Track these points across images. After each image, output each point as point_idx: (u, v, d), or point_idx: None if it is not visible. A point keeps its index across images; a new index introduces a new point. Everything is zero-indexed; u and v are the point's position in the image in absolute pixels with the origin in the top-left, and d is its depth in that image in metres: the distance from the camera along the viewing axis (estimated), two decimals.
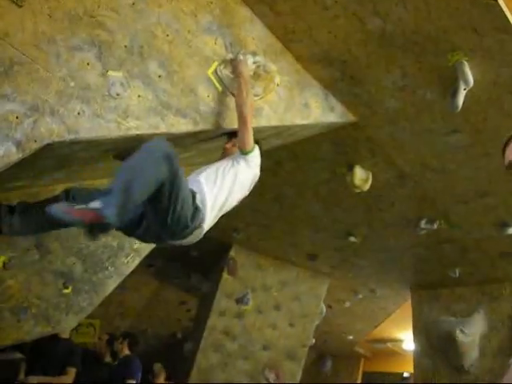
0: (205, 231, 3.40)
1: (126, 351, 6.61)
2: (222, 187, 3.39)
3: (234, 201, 3.59)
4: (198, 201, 3.24)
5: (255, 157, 3.62)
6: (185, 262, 11.74)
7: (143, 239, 3.59)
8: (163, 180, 2.84)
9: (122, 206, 2.69)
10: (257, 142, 3.72)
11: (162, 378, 7.62)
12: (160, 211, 3.01)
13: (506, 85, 4.25)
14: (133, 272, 5.43)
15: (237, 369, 9.71)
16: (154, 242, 3.62)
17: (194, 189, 3.28)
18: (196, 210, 3.19)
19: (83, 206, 2.73)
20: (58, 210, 2.70)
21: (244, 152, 3.55)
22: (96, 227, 2.79)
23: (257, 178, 3.77)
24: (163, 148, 2.91)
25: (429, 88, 4.50)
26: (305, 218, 7.99)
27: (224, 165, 3.52)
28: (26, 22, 2.74)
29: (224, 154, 3.84)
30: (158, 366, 7.66)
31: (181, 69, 3.46)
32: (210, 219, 3.37)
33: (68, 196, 3.42)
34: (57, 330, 5.03)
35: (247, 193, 3.76)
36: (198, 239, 3.44)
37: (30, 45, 2.74)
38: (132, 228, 3.31)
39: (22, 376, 6.34)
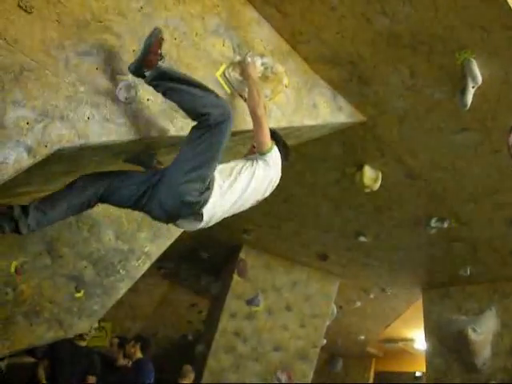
0: (205, 222, 3.31)
1: (139, 354, 6.60)
2: (233, 185, 3.36)
3: (247, 202, 3.53)
4: (211, 183, 3.22)
5: (273, 156, 3.55)
6: (195, 264, 11.78)
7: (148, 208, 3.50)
8: (207, 113, 3.07)
9: (167, 83, 3.10)
10: (279, 140, 3.72)
11: (189, 379, 7.55)
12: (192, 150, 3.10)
13: None
14: (143, 275, 5.45)
15: (248, 370, 9.73)
16: (157, 215, 3.51)
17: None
18: (207, 190, 3.17)
19: None
20: (150, 39, 2.97)
21: (262, 153, 3.50)
22: None
23: (277, 178, 3.69)
24: (228, 107, 3.25)
25: (437, 87, 4.48)
26: (315, 218, 7.99)
27: (241, 164, 3.47)
28: (35, 29, 2.76)
29: (248, 155, 3.80)
30: (186, 368, 7.60)
31: (189, 71, 3.46)
32: (212, 211, 3.28)
33: None
34: (69, 334, 5.05)
35: (267, 194, 3.71)
36: (195, 227, 3.39)
37: (39, 51, 2.75)
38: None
39: (43, 381, 6.36)
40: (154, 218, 3.45)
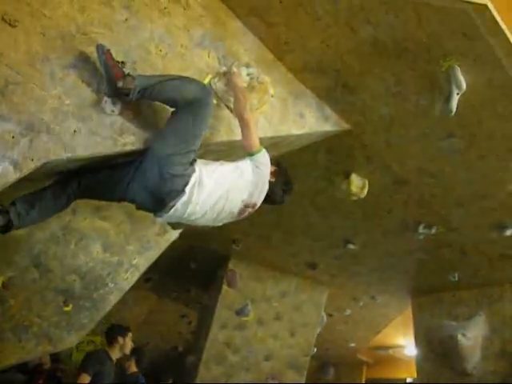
0: (187, 214, 3.35)
1: (134, 368, 6.52)
2: (218, 183, 3.36)
3: (234, 203, 3.49)
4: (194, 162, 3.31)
5: (263, 159, 3.51)
6: (184, 275, 11.73)
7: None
8: (197, 97, 3.23)
9: (148, 89, 3.13)
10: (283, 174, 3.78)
11: None
12: (178, 123, 3.24)
13: (498, 88, 4.26)
14: (132, 287, 5.43)
15: (239, 380, 9.69)
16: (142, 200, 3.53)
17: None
18: (190, 165, 3.25)
19: None
20: (102, 56, 3.00)
21: (250, 154, 3.48)
22: None
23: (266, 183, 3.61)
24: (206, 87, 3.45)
25: (422, 94, 4.51)
26: (303, 227, 8.00)
27: (227, 163, 3.50)
28: (20, 42, 2.75)
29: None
30: None
31: None
32: (195, 204, 3.31)
33: None
34: (58, 348, 5.01)
35: (260, 198, 3.65)
36: (176, 219, 3.46)
37: (24, 64, 2.75)
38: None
39: None
40: (140, 205, 3.47)
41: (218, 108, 3.75)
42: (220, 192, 3.37)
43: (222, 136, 3.79)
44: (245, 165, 3.47)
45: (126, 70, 3.06)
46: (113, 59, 3.00)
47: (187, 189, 3.22)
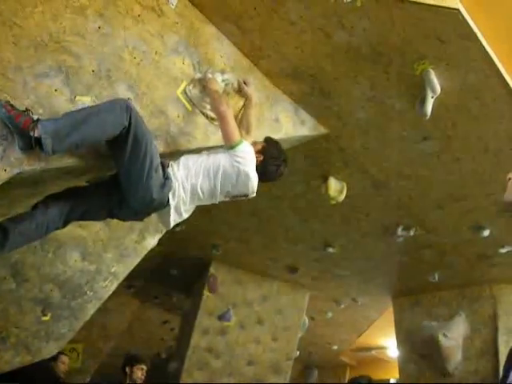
0: (173, 215, 3.43)
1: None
2: (196, 172, 3.39)
3: (206, 190, 3.49)
4: (170, 172, 3.32)
5: (244, 150, 3.48)
6: (165, 281, 11.68)
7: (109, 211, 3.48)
8: (123, 126, 2.97)
9: (61, 132, 2.78)
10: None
11: None
12: (131, 164, 3.10)
13: (472, 90, 4.31)
14: (113, 294, 5.40)
15: None
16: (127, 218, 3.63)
17: (171, 163, 3.40)
18: (166, 180, 3.26)
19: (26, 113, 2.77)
20: (1, 109, 2.69)
21: (230, 147, 3.46)
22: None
23: (253, 173, 3.56)
24: (121, 101, 3.07)
25: (397, 97, 4.55)
26: (282, 231, 8.00)
27: (205, 155, 3.53)
28: None
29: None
30: None
31: (149, 90, 3.46)
32: (180, 202, 3.39)
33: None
34: (37, 358, 4.96)
35: (252, 189, 3.62)
36: (167, 222, 3.49)
37: None
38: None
39: None
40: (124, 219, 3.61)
41: (193, 114, 3.76)
42: (194, 187, 3.42)
43: (199, 142, 3.78)
44: (223, 157, 3.47)
45: (34, 116, 2.80)
46: (15, 109, 2.73)
47: (171, 199, 3.32)
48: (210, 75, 3.78)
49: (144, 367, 6.16)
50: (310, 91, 4.66)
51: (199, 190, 3.43)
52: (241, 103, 4.10)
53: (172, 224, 3.52)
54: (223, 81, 3.90)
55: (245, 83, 4.14)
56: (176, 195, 3.34)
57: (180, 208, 3.43)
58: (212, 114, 3.79)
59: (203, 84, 3.75)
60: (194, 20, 3.88)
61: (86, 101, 3.09)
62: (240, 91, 4.12)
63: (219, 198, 3.60)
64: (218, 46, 4.05)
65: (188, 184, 3.38)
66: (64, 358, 6.96)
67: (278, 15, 3.87)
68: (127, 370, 6.05)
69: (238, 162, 3.44)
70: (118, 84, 3.28)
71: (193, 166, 3.41)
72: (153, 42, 3.55)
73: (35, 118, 2.78)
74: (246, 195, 3.64)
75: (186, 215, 3.56)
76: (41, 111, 2.87)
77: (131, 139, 3.01)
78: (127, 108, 3.00)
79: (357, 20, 3.77)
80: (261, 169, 3.65)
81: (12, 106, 2.72)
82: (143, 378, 6.13)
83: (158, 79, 3.53)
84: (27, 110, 2.79)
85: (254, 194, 3.65)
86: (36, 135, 2.70)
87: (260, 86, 4.42)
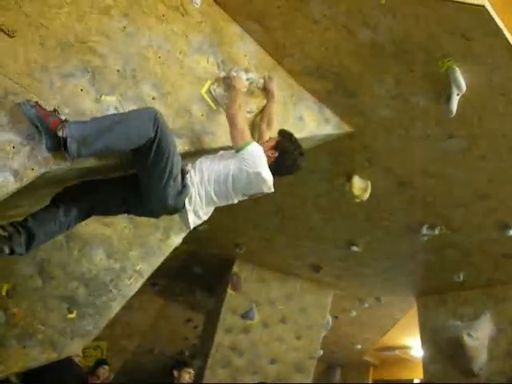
0: (192, 217, 3.47)
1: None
2: (209, 178, 3.42)
3: (219, 195, 3.51)
4: (188, 178, 3.35)
5: (251, 153, 3.44)
6: (189, 280, 11.74)
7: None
8: (148, 138, 2.99)
9: (87, 139, 2.81)
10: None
11: None
12: (151, 172, 3.14)
13: (498, 87, 4.26)
14: (137, 292, 5.42)
15: None
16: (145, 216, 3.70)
17: (188, 168, 3.43)
18: (183, 188, 3.30)
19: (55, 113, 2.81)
20: (31, 110, 2.71)
21: (237, 150, 3.45)
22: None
23: (266, 174, 3.51)
24: (149, 111, 3.08)
25: (422, 95, 4.52)
26: (306, 229, 8.00)
27: (218, 160, 3.53)
28: (19, 52, 2.77)
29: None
30: None
31: (174, 89, 3.48)
32: (197, 206, 3.44)
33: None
34: (62, 355, 5.00)
35: (263, 190, 3.59)
36: (187, 223, 3.52)
37: (23, 74, 2.76)
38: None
39: None
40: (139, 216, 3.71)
41: (217, 113, 3.76)
42: (209, 192, 3.46)
43: (223, 141, 3.79)
44: (232, 161, 3.46)
45: (62, 117, 2.82)
46: (44, 109, 2.75)
47: (187, 204, 3.38)
48: (234, 74, 3.78)
49: (192, 371, 6.55)
50: (334, 89, 4.64)
51: (213, 195, 3.46)
52: (265, 102, 4.11)
53: (192, 225, 3.54)
54: (247, 79, 3.90)
55: (268, 78, 4.17)
56: (192, 200, 3.39)
57: (198, 211, 3.48)
58: None
59: (227, 83, 3.76)
60: (218, 19, 3.89)
61: (111, 100, 3.12)
62: (264, 88, 4.13)
63: (235, 200, 3.62)
64: (241, 45, 4.06)
65: (202, 190, 3.41)
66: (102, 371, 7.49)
67: (301, 13, 3.87)
68: (175, 373, 6.44)
69: (246, 165, 3.42)
70: (142, 83, 3.30)
71: (205, 171, 3.43)
72: (177, 42, 3.56)
73: (63, 118, 2.80)
74: (262, 193, 3.65)
75: (205, 217, 3.60)
76: (67, 111, 2.90)
77: (154, 150, 3.03)
78: (155, 119, 3.00)
79: (381, 17, 3.75)
80: (277, 164, 3.64)
81: (41, 106, 2.74)
82: (190, 381, 6.51)
83: (183, 78, 3.54)
84: (55, 110, 2.82)
85: (272, 190, 3.63)
86: (64, 136, 2.73)
87: (284, 85, 4.42)
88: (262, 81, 4.10)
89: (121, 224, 5.01)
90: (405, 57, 4.10)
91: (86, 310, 5.00)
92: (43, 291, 4.74)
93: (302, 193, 6.73)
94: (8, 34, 2.74)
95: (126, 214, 3.70)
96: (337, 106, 4.85)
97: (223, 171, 3.42)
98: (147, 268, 5.28)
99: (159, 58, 3.43)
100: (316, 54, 4.25)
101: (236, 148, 3.46)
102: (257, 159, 3.46)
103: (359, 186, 5.96)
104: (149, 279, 5.52)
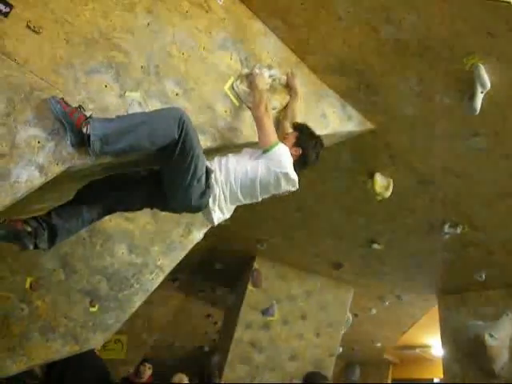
0: (217, 214, 3.49)
1: None
2: (235, 178, 3.44)
3: (245, 195, 3.55)
4: (212, 178, 3.36)
5: (278, 154, 3.47)
6: (210, 275, 11.79)
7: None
8: (172, 139, 2.99)
9: (110, 138, 2.84)
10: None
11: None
12: (174, 172, 3.18)
13: None
14: (158, 286, 5.47)
15: (264, 380, 9.70)
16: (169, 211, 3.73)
17: (213, 167, 3.42)
18: (207, 189, 3.31)
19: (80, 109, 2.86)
20: (57, 106, 2.76)
21: (264, 150, 3.48)
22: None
23: (291, 173, 3.54)
24: (175, 111, 3.08)
25: (446, 92, 4.48)
26: (327, 227, 7.99)
27: (248, 158, 3.55)
28: (44, 49, 2.80)
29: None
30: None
31: (197, 86, 3.49)
32: (222, 204, 3.46)
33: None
34: (84, 348, 5.06)
35: (289, 188, 3.62)
36: (211, 220, 3.54)
37: (48, 70, 2.80)
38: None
39: None
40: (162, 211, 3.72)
41: (240, 110, 3.77)
42: (234, 191, 3.48)
43: (246, 137, 3.80)
44: (259, 161, 3.48)
45: (87, 113, 2.88)
46: (69, 105, 2.80)
47: (211, 203, 3.39)
48: (257, 71, 3.78)
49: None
50: (357, 86, 4.63)
51: (239, 195, 3.50)
52: (288, 98, 4.11)
53: (216, 222, 3.56)
54: (270, 76, 3.91)
55: (291, 75, 4.17)
56: (217, 198, 3.41)
57: (223, 209, 3.50)
58: None
59: (250, 80, 3.77)
60: (242, 16, 3.90)
61: (135, 96, 3.14)
62: (287, 85, 4.13)
63: (260, 198, 3.64)
64: (265, 42, 4.06)
65: (227, 189, 3.44)
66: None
67: (325, 10, 3.86)
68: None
69: (274, 165, 3.45)
70: (166, 80, 3.32)
71: (232, 171, 3.44)
72: (201, 38, 3.58)
73: (88, 114, 2.84)
74: (288, 191, 3.66)
75: (228, 215, 3.62)
76: (91, 106, 2.93)
77: (178, 151, 3.04)
78: (180, 120, 3.00)
79: (405, 14, 3.73)
80: (302, 160, 3.70)
81: (66, 102, 2.79)
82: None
83: (206, 75, 3.56)
84: (80, 106, 2.85)
85: (297, 187, 3.65)
86: (88, 133, 2.77)
87: (307, 82, 4.42)
88: (284, 77, 4.10)
89: (143, 219, 5.06)
90: (428, 54, 4.07)
91: (107, 304, 5.05)
92: (66, 285, 4.80)
93: (323, 190, 6.72)
94: (34, 31, 2.78)
95: (148, 209, 3.71)
96: (360, 103, 4.84)
97: (251, 172, 3.44)
98: (168, 263, 5.33)
99: (183, 54, 3.45)
100: (339, 51, 4.24)
101: (264, 148, 3.49)
102: (284, 159, 3.48)
103: (381, 184, 5.94)
104: (169, 274, 5.57)
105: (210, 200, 3.37)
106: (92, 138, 2.77)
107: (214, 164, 3.45)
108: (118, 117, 2.99)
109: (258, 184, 3.47)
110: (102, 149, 2.83)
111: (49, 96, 2.74)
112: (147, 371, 7.53)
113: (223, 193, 3.42)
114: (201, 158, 3.18)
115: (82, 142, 2.81)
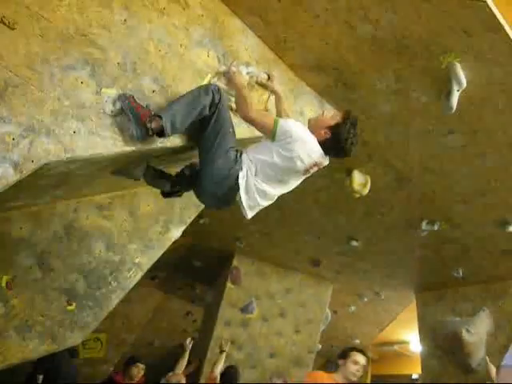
0: (245, 200, 3.55)
1: None
2: (257, 171, 3.51)
3: (286, 178, 3.69)
4: (243, 159, 3.47)
5: (283, 134, 3.39)
6: (188, 273, 11.77)
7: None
8: (205, 108, 3.36)
9: (177, 116, 3.25)
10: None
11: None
12: (203, 139, 3.45)
13: (498, 84, 4.27)
14: (137, 284, 5.44)
15: (244, 378, 9.65)
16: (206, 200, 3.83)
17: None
18: (235, 165, 3.42)
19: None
20: (125, 101, 3.12)
21: (270, 137, 3.45)
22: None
23: (305, 141, 3.47)
24: (207, 86, 3.47)
25: (423, 90, 4.52)
26: (306, 224, 8.01)
27: (268, 151, 3.52)
28: (19, 44, 2.77)
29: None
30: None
31: (174, 83, 3.49)
32: (255, 195, 3.56)
33: None
34: (62, 347, 5.02)
35: (311, 167, 3.62)
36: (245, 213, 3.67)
37: (23, 66, 2.77)
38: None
39: None
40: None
41: None
42: (269, 173, 3.55)
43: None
44: (275, 153, 3.47)
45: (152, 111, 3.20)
46: (136, 102, 3.14)
47: (240, 181, 3.44)
48: (234, 68, 3.78)
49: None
50: (335, 84, 4.65)
51: (267, 189, 3.62)
52: (265, 96, 4.12)
53: (249, 215, 3.72)
54: (248, 73, 3.92)
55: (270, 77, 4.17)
56: (249, 191, 3.52)
57: (256, 199, 3.61)
58: None
59: (228, 77, 3.76)
60: (219, 13, 3.89)
61: (111, 93, 3.12)
62: (264, 85, 4.13)
63: (293, 182, 3.88)
64: (242, 39, 4.06)
65: (252, 184, 3.51)
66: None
67: (302, 8, 3.87)
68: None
69: (284, 148, 3.42)
70: (143, 76, 3.31)
71: (253, 163, 3.51)
72: (178, 35, 3.56)
73: (152, 112, 3.18)
74: (316, 164, 3.63)
75: (265, 203, 3.80)
76: (67, 103, 2.91)
77: (213, 121, 3.39)
78: (214, 90, 3.39)
79: (382, 12, 3.75)
80: (325, 145, 3.58)
81: (134, 99, 3.14)
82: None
83: (183, 72, 3.55)
84: (147, 105, 3.21)
85: (327, 162, 3.72)
86: (152, 127, 3.13)
87: (284, 79, 4.42)
88: (262, 75, 4.09)
89: (121, 217, 5.03)
90: (405, 52, 4.10)
91: (85, 302, 5.01)
92: (43, 283, 4.74)
93: (301, 187, 6.69)
94: (9, 26, 2.74)
95: (125, 207, 3.74)
96: (337, 100, 4.86)
97: (270, 165, 3.48)
98: (147, 261, 5.30)
99: (160, 51, 3.44)
100: (317, 48, 4.25)
101: (269, 136, 3.47)
102: (291, 135, 3.41)
103: (359, 181, 5.97)
104: (148, 272, 5.54)
105: (243, 193, 3.48)
106: (164, 120, 3.15)
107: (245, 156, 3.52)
108: (177, 99, 3.35)
109: (279, 173, 3.55)
110: (172, 130, 3.23)
111: (22, 91, 2.73)
112: (140, 372, 6.56)
113: (255, 186, 3.51)
114: (230, 133, 3.47)
115: (146, 135, 3.16)
